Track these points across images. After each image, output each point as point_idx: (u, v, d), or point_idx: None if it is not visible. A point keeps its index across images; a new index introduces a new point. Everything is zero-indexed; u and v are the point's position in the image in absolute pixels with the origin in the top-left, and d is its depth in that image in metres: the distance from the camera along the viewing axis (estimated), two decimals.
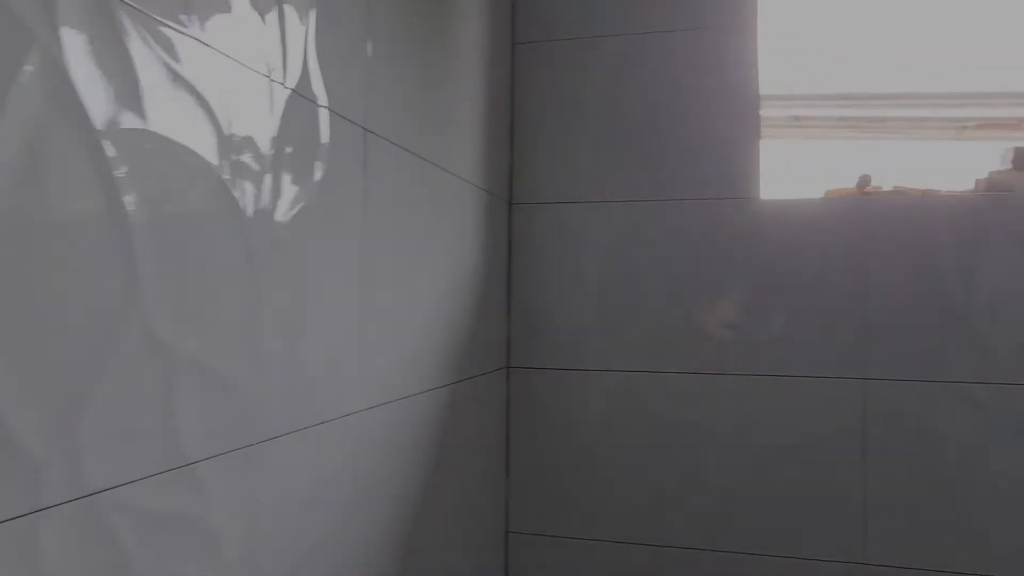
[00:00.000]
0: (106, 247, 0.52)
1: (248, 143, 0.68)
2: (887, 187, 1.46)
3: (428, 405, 1.13)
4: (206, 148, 0.63)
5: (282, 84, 0.74)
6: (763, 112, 2.16)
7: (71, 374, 0.50)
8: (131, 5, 0.55)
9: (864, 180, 1.43)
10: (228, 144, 0.66)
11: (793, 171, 1.94)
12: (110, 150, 0.53)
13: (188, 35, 0.61)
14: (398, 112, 1.02)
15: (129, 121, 0.54)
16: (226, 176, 0.65)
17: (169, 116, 0.58)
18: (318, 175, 0.81)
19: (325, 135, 0.82)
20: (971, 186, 1.44)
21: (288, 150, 0.75)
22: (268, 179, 0.71)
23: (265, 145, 0.71)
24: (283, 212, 0.74)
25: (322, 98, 0.81)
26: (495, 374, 1.48)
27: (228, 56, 0.66)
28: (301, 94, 0.77)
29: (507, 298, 1.56)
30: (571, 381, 1.52)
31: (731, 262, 1.45)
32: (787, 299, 1.42)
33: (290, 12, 0.75)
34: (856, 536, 1.38)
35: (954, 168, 1.64)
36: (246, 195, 0.68)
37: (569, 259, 1.54)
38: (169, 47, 0.59)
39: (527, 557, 1.54)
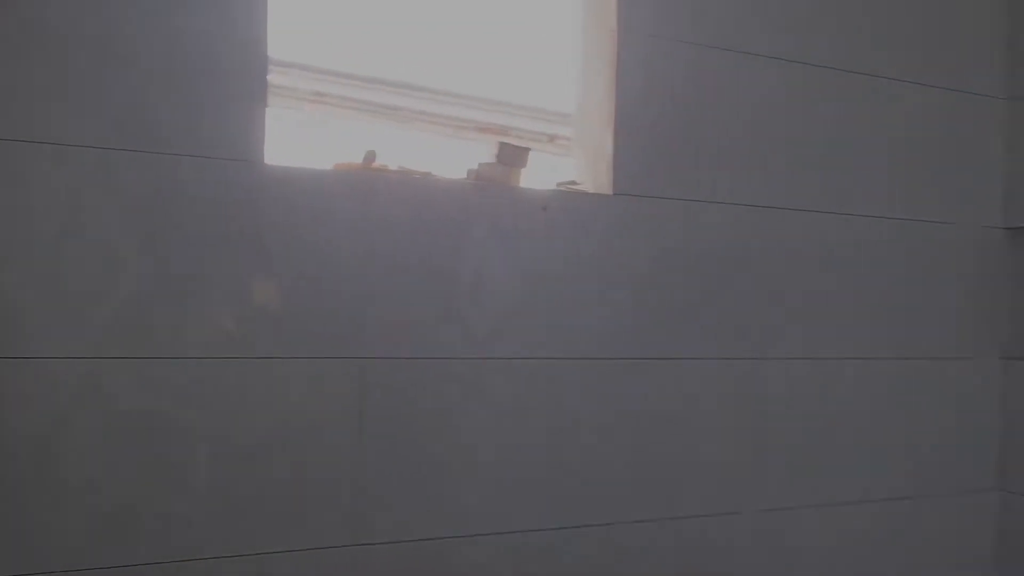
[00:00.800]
0: None
1: None
2: (393, 166, 1.46)
3: None
4: None
5: None
6: (287, 82, 2.04)
7: None
8: None
9: (370, 155, 1.42)
10: None
11: (311, 143, 1.86)
12: None
13: None
14: None
15: None
16: None
17: None
18: None
19: None
20: (464, 175, 1.54)
21: None
22: None
23: None
24: None
25: None
26: None
27: None
28: None
29: None
30: (5, 374, 1.17)
31: (229, 230, 1.28)
32: (289, 273, 1.31)
33: None
34: (353, 518, 1.35)
35: (453, 159, 1.75)
36: None
37: (6, 213, 1.17)
38: None
39: None
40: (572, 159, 1.71)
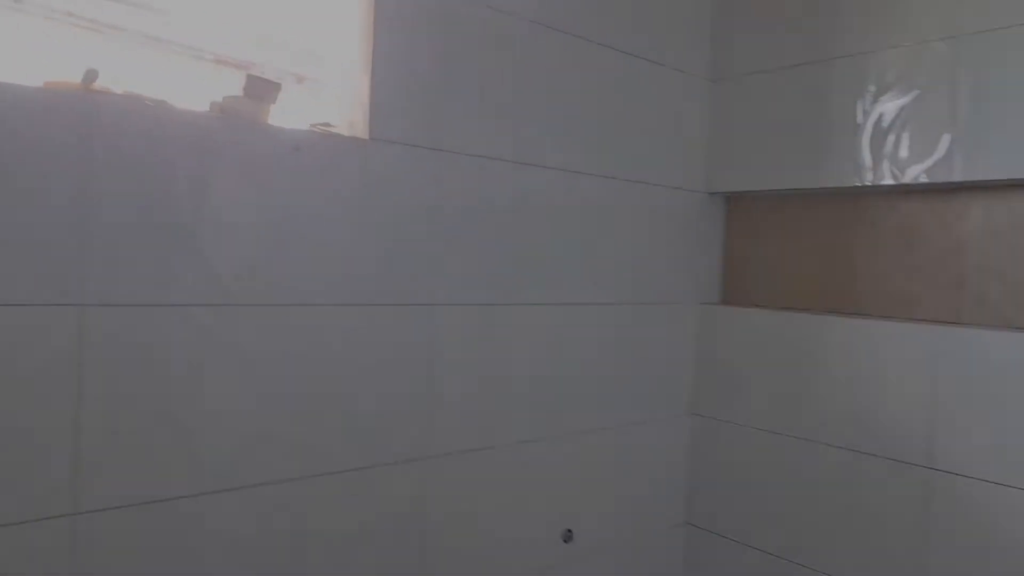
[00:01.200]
0: None
1: None
2: (118, 89, 1.30)
3: None
4: None
5: None
6: None
7: None
8: None
9: (91, 75, 1.24)
10: None
11: (12, 57, 1.58)
12: None
13: None
14: None
15: None
16: None
17: None
18: None
19: None
20: (206, 108, 1.41)
21: None
22: None
23: None
24: None
25: None
26: None
27: None
28: None
29: None
30: None
31: None
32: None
33: None
34: (71, 484, 1.21)
35: (192, 89, 1.59)
36: None
37: None
38: None
39: None
40: (325, 101, 1.65)
